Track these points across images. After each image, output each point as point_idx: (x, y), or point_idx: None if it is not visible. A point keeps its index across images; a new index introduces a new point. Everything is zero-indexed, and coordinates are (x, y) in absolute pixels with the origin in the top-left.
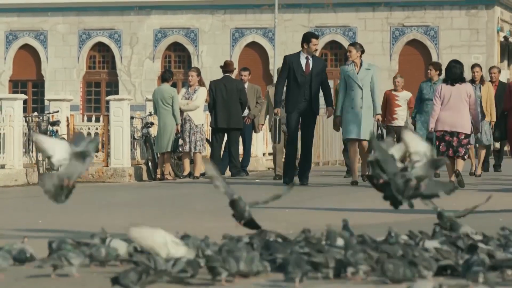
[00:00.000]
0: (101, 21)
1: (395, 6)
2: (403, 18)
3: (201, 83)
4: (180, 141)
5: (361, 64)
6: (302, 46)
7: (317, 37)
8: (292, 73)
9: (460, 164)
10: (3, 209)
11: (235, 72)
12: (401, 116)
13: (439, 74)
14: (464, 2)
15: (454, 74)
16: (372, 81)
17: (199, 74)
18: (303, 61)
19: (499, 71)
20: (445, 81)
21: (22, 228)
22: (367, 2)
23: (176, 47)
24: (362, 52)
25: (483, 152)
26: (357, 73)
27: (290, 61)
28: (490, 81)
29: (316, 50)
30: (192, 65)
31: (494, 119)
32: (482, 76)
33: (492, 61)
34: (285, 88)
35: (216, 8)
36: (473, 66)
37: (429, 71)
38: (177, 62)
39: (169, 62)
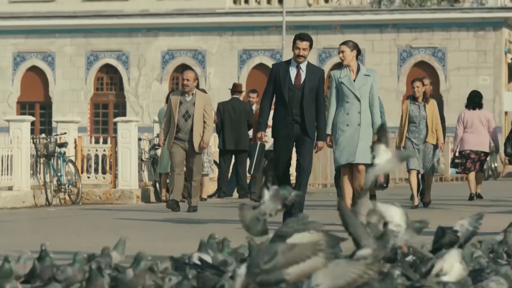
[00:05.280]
0: (108, 43)
1: (402, 27)
2: (410, 39)
3: None
4: None
5: (358, 69)
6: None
7: (302, 38)
8: (278, 86)
9: (479, 178)
10: (11, 231)
11: (243, 94)
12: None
13: None
14: (472, 23)
15: (474, 102)
16: (371, 90)
17: None
18: (292, 71)
19: (423, 84)
20: (467, 106)
21: (30, 250)
22: (375, 24)
23: (183, 68)
24: (358, 53)
25: (414, 179)
26: (354, 81)
27: (277, 71)
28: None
29: (303, 56)
30: (200, 87)
31: (442, 141)
32: (425, 93)
33: (499, 83)
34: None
35: (224, 30)
36: (414, 81)
37: None
38: None
39: (176, 84)
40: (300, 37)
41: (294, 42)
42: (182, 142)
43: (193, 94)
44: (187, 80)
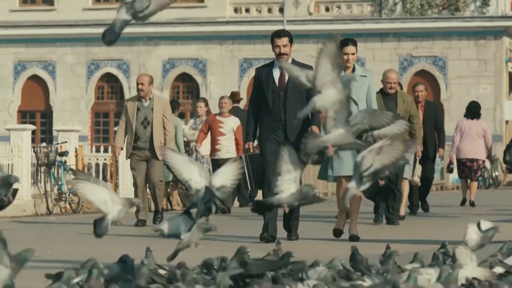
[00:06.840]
0: (109, 52)
1: (403, 36)
2: (411, 48)
3: (209, 113)
4: None
5: (353, 70)
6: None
7: (280, 35)
8: (262, 90)
9: (474, 187)
10: (12, 240)
11: (244, 102)
12: (226, 147)
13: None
14: (473, 32)
15: (473, 112)
16: (368, 93)
17: (206, 104)
18: (276, 73)
19: (426, 89)
20: (466, 116)
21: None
22: (376, 33)
23: (184, 77)
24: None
25: (406, 188)
26: None
27: (260, 74)
28: (416, 101)
29: (285, 54)
30: (201, 96)
31: (420, 148)
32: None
33: (500, 92)
34: None
35: (225, 39)
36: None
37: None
38: (185, 92)
39: (177, 93)
40: (277, 34)
41: (272, 42)
42: (141, 151)
43: (150, 99)
44: (142, 84)
